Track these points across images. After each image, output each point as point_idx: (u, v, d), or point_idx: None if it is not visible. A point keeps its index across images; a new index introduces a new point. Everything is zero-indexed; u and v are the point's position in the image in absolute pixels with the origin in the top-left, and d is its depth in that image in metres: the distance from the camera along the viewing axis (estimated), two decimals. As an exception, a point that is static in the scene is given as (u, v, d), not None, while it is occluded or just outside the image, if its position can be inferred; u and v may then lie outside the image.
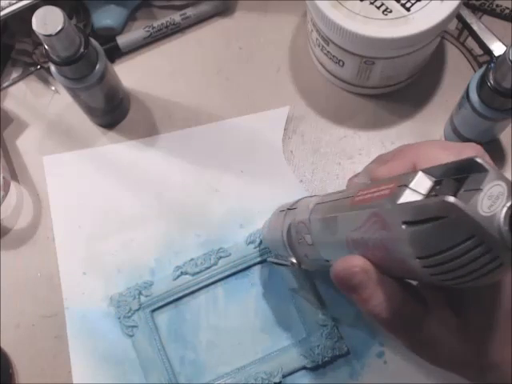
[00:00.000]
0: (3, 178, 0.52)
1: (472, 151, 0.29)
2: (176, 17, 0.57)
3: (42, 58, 0.56)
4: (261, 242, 0.50)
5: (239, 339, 0.49)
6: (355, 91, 0.55)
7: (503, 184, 0.22)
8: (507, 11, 0.57)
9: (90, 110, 0.54)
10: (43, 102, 0.57)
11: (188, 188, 0.53)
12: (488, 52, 0.55)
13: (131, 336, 0.49)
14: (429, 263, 0.24)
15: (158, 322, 0.49)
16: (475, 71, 0.55)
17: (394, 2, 0.46)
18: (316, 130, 0.55)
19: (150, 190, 0.53)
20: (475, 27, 0.56)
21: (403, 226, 0.24)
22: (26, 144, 0.55)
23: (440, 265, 0.23)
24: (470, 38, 0.56)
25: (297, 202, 0.40)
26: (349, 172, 0.53)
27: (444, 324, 0.29)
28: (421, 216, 0.23)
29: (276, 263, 0.43)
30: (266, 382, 0.47)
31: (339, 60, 0.51)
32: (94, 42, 0.48)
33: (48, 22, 0.41)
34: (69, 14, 0.54)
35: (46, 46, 0.44)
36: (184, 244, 0.51)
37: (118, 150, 0.55)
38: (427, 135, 0.54)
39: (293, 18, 0.58)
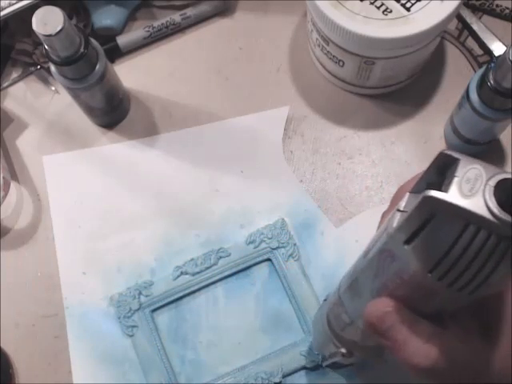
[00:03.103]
0: (3, 178, 0.52)
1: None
2: (176, 17, 0.57)
3: (42, 58, 0.56)
4: (261, 242, 0.50)
5: (239, 339, 0.49)
6: (355, 91, 0.55)
7: (478, 166, 0.21)
8: (507, 11, 0.57)
9: (89, 110, 0.54)
10: (43, 102, 0.57)
11: (188, 188, 0.53)
12: (488, 52, 0.55)
13: (131, 336, 0.49)
14: (440, 272, 0.23)
15: (158, 322, 0.49)
16: (475, 71, 0.55)
17: (394, 2, 0.46)
18: (316, 130, 0.55)
19: (150, 190, 0.53)
20: (475, 27, 0.56)
21: (405, 247, 0.24)
22: (26, 144, 0.55)
23: (451, 269, 0.23)
24: (470, 38, 0.56)
25: (327, 294, 0.39)
26: (349, 172, 0.53)
27: (476, 353, 0.27)
28: (414, 227, 0.23)
29: (332, 365, 0.42)
30: (266, 382, 0.47)
31: (339, 60, 0.51)
32: (94, 41, 0.48)
33: (48, 22, 0.41)
34: (69, 14, 0.54)
35: (46, 46, 0.44)
36: (184, 244, 0.51)
37: (117, 149, 0.55)
38: (427, 135, 0.54)
39: (293, 18, 0.58)
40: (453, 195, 0.21)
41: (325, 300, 0.39)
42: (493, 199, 0.20)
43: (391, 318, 0.27)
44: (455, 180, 0.21)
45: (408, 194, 0.25)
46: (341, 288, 0.33)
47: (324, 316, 0.38)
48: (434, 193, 0.21)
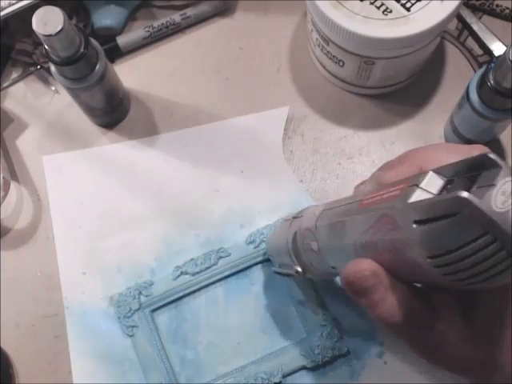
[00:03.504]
0: (3, 178, 0.52)
1: (481, 152, 0.28)
2: (176, 17, 0.57)
3: (42, 58, 0.56)
4: (261, 243, 0.50)
5: (239, 339, 0.49)
6: (355, 91, 0.55)
7: None
8: (507, 11, 0.57)
9: (89, 110, 0.54)
10: (43, 102, 0.57)
11: (188, 188, 0.53)
12: (488, 52, 0.55)
13: (131, 336, 0.49)
14: (441, 262, 0.23)
15: (158, 322, 0.49)
16: (475, 71, 0.55)
17: (394, 2, 0.46)
18: (316, 130, 0.55)
19: (150, 190, 0.53)
20: (475, 27, 0.56)
21: (414, 226, 0.24)
22: (26, 144, 0.55)
23: (452, 264, 0.23)
24: (470, 38, 0.56)
25: (302, 210, 0.39)
26: (349, 172, 0.53)
27: (453, 327, 0.28)
28: (433, 214, 0.23)
29: (281, 273, 0.42)
30: (266, 381, 0.47)
31: (339, 60, 0.51)
32: (94, 41, 0.48)
33: (48, 22, 0.41)
34: (69, 14, 0.54)
35: (46, 46, 0.44)
36: (184, 244, 0.51)
37: (117, 149, 0.55)
38: (427, 135, 0.54)
39: (293, 18, 0.58)
40: (486, 204, 0.21)
41: (294, 217, 0.39)
42: None
43: (370, 281, 0.28)
44: (492, 188, 0.21)
45: (431, 172, 0.25)
46: (320, 219, 0.33)
47: (291, 232, 0.38)
48: (469, 196, 0.21)
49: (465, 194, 0.21)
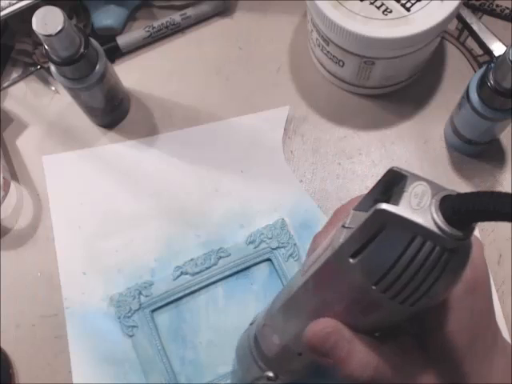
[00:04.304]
0: (3, 178, 0.52)
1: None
2: (176, 17, 0.57)
3: (42, 58, 0.56)
4: (261, 242, 0.50)
5: (239, 339, 0.49)
6: (355, 91, 0.55)
7: (424, 183, 0.23)
8: (507, 11, 0.57)
9: (89, 110, 0.54)
10: (43, 102, 0.57)
11: (188, 188, 0.53)
12: (488, 52, 0.55)
13: (131, 336, 0.49)
14: (386, 284, 0.24)
15: (158, 322, 0.49)
16: (475, 71, 0.55)
17: (394, 2, 0.46)
18: (316, 130, 0.55)
19: (150, 190, 0.53)
20: (475, 27, 0.56)
21: (351, 261, 0.24)
22: (26, 144, 0.55)
23: (397, 280, 0.23)
24: (470, 38, 0.56)
25: (256, 316, 0.39)
26: (349, 172, 0.53)
27: (419, 367, 0.28)
28: (362, 240, 0.23)
29: None
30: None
31: (339, 60, 0.51)
32: (94, 41, 0.48)
33: (48, 22, 0.41)
34: (69, 14, 0.54)
35: (46, 46, 0.44)
36: (184, 244, 0.51)
37: (117, 149, 0.55)
38: (427, 135, 0.54)
39: (293, 18, 0.58)
40: (403, 208, 0.22)
41: (251, 324, 0.39)
42: (439, 213, 0.22)
43: (333, 337, 0.27)
44: (404, 195, 0.22)
45: (352, 211, 0.26)
46: (273, 308, 0.33)
47: (251, 338, 0.37)
48: (386, 206, 0.22)
49: (381, 206, 0.22)
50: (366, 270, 0.24)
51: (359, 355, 0.27)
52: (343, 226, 0.26)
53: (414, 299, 0.24)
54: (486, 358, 0.29)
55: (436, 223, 0.21)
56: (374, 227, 0.23)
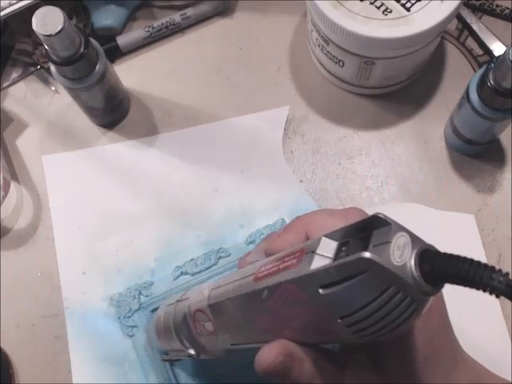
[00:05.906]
0: (3, 178, 0.52)
1: (356, 213, 0.30)
2: (176, 17, 0.57)
3: (42, 58, 0.56)
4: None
5: (239, 339, 0.49)
6: (355, 91, 0.55)
7: (406, 234, 0.23)
8: (507, 11, 0.57)
9: (89, 110, 0.54)
10: (43, 102, 0.57)
11: (188, 188, 0.53)
12: (488, 52, 0.55)
13: (131, 336, 0.49)
14: (352, 320, 0.24)
15: (158, 322, 0.49)
16: (475, 71, 0.55)
17: (394, 2, 0.46)
18: (316, 130, 0.55)
19: (150, 190, 0.53)
20: (475, 27, 0.56)
21: (320, 291, 0.25)
22: (26, 144, 0.55)
23: (363, 320, 0.24)
24: (470, 38, 0.56)
25: (184, 293, 0.39)
26: (349, 172, 0.53)
27: (364, 381, 0.29)
28: (339, 276, 0.24)
29: (170, 360, 0.42)
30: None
31: (339, 60, 0.51)
32: (94, 42, 0.48)
33: (48, 22, 0.41)
34: (69, 14, 0.54)
35: (46, 46, 0.44)
36: (184, 244, 0.51)
37: (117, 149, 0.55)
38: (427, 135, 0.54)
39: (293, 18, 0.58)
40: (387, 261, 0.22)
41: (178, 301, 0.38)
42: (417, 268, 0.22)
43: (286, 363, 0.27)
44: (389, 247, 0.23)
45: (323, 237, 0.26)
46: (211, 298, 0.33)
47: (179, 315, 0.37)
48: (373, 256, 0.22)
49: (367, 255, 0.22)
50: (334, 304, 0.25)
51: (306, 374, 0.28)
52: (313, 252, 0.26)
53: (375, 336, 0.25)
54: (444, 372, 0.29)
55: (414, 277, 0.22)
56: (354, 270, 0.23)
